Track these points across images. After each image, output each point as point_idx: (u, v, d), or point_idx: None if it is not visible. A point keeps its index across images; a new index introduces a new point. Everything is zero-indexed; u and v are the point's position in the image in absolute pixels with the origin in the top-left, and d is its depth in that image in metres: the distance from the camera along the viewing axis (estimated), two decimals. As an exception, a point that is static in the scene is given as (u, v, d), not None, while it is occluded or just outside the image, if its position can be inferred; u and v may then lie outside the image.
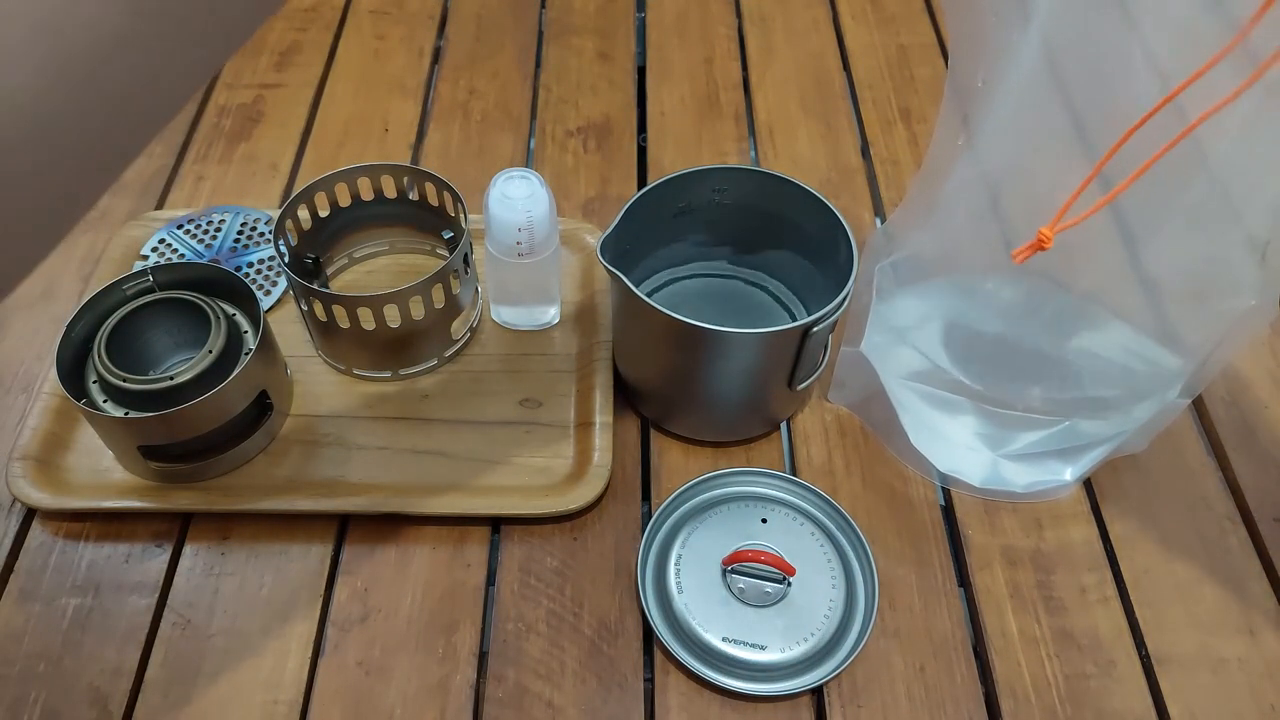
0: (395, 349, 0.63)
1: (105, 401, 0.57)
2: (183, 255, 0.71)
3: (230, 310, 0.61)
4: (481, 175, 0.71)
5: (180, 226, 0.72)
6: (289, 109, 0.85)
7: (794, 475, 0.61)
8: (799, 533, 0.58)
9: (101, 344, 0.56)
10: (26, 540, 0.59)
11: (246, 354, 0.57)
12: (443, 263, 0.60)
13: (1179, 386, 0.55)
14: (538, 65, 0.89)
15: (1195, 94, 0.39)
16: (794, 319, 0.66)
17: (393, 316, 0.60)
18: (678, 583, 0.56)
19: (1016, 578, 0.58)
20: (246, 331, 0.60)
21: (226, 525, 0.59)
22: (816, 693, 0.54)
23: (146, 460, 0.57)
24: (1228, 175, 0.45)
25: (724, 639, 0.54)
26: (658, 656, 0.55)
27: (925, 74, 0.89)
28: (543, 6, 0.95)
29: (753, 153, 0.82)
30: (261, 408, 0.60)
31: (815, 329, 0.54)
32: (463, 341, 0.67)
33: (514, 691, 0.54)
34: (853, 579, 0.57)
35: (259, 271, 0.70)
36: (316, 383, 0.65)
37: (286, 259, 0.63)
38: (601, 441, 0.61)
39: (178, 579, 0.57)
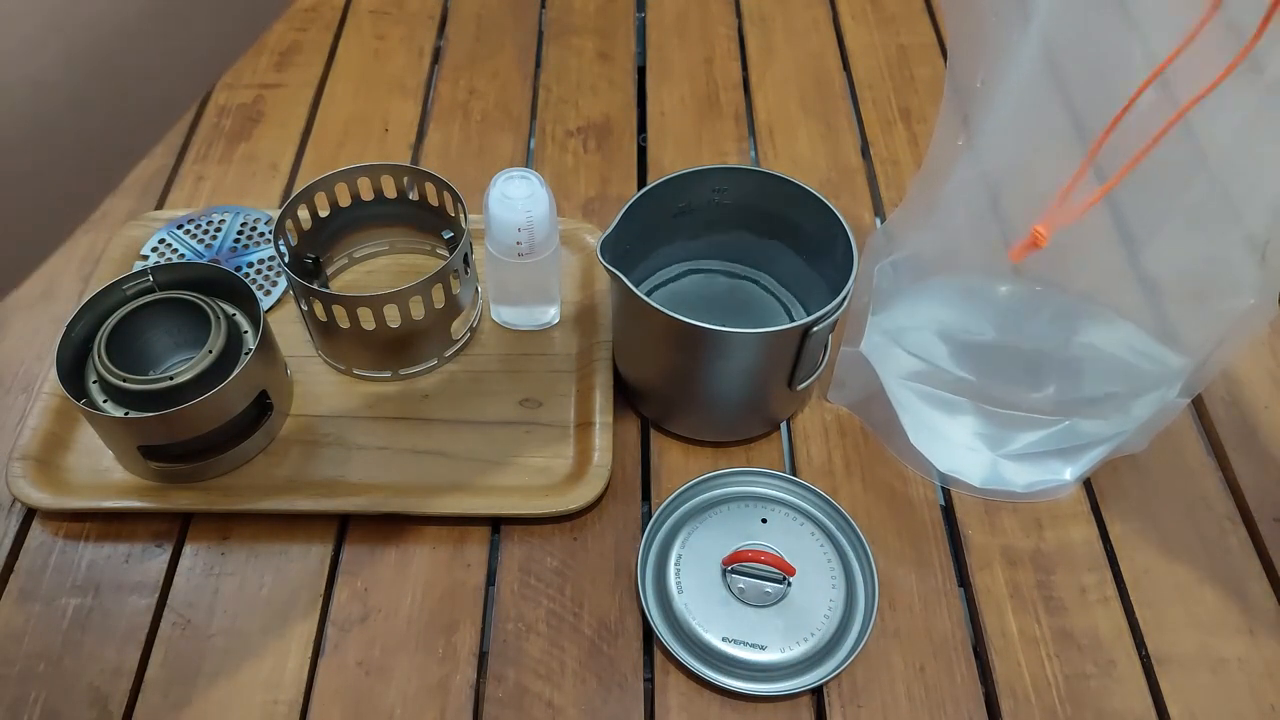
0: (395, 349, 0.63)
1: (105, 401, 0.57)
2: (183, 255, 0.71)
3: (230, 310, 0.61)
4: (481, 175, 0.71)
5: (180, 226, 0.72)
6: (289, 109, 0.85)
7: (794, 475, 0.61)
8: (799, 533, 0.58)
9: (101, 344, 0.56)
10: (26, 540, 0.59)
11: (246, 354, 0.57)
12: (443, 263, 0.60)
13: (1179, 386, 0.55)
14: (538, 65, 0.89)
15: (1186, 80, 0.39)
16: (794, 319, 0.66)
17: (393, 316, 0.60)
18: (678, 583, 0.56)
19: (1016, 578, 0.58)
20: (246, 331, 0.60)
21: (226, 525, 0.59)
22: (816, 693, 0.54)
23: (146, 460, 0.57)
24: (1227, 175, 0.45)
25: (724, 639, 0.54)
26: (658, 656, 0.55)
27: (925, 74, 0.89)
28: (543, 6, 0.95)
29: (753, 153, 0.82)
30: (261, 408, 0.60)
31: (815, 329, 0.54)
32: (463, 341, 0.67)
33: (514, 691, 0.54)
34: (853, 579, 0.57)
35: (259, 271, 0.70)
36: (316, 383, 0.65)
37: (286, 259, 0.63)
38: (601, 441, 0.61)
39: (178, 579, 0.57)
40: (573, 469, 0.61)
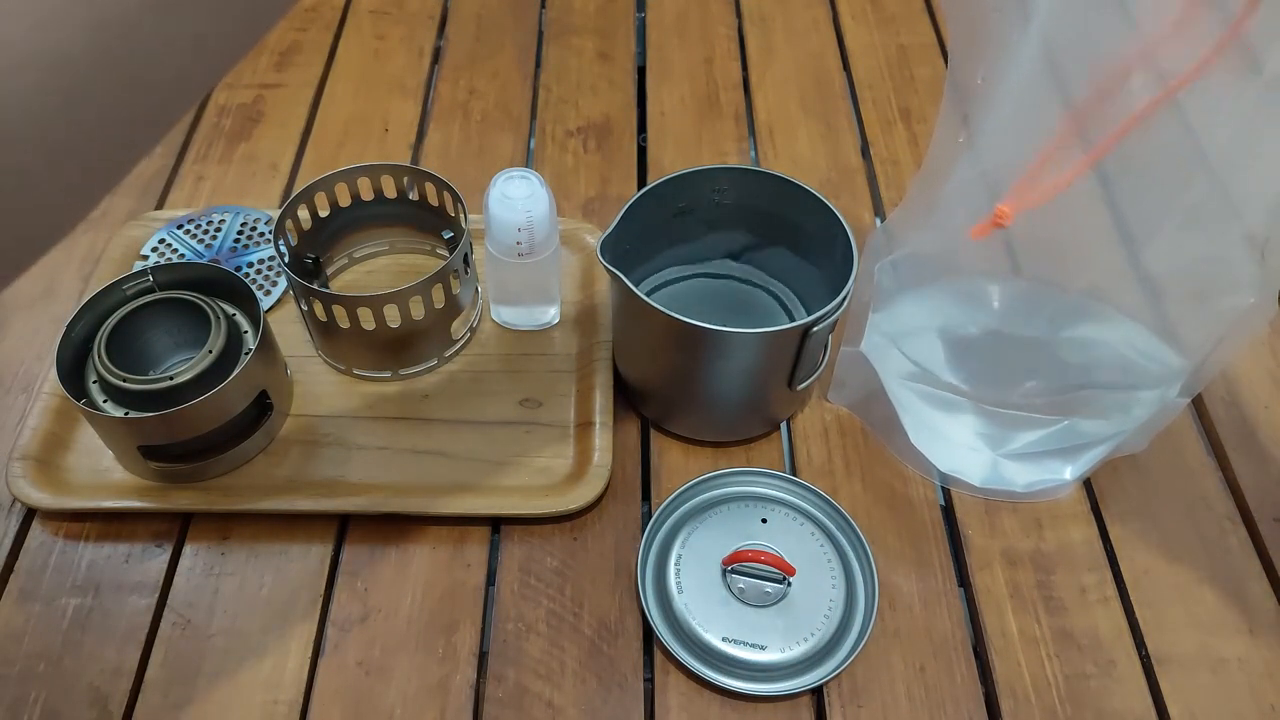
0: (395, 349, 0.63)
1: (105, 401, 0.57)
2: (183, 255, 0.71)
3: (230, 310, 0.61)
4: (481, 175, 0.71)
5: (180, 226, 0.72)
6: (289, 109, 0.85)
7: (794, 475, 0.61)
8: (799, 533, 0.58)
9: (101, 344, 0.56)
10: (26, 540, 0.59)
11: (246, 354, 0.57)
12: (443, 263, 0.60)
13: (1179, 385, 0.55)
14: (538, 65, 0.89)
15: (1172, 65, 0.39)
16: (794, 319, 0.66)
17: (393, 316, 0.60)
18: (678, 583, 0.56)
19: (1016, 578, 0.58)
20: (246, 331, 0.60)
21: (226, 525, 0.59)
22: (816, 693, 0.54)
23: (146, 460, 0.57)
24: (1227, 173, 0.44)
25: (724, 639, 0.54)
26: (658, 656, 0.55)
27: (925, 74, 0.89)
28: (543, 6, 0.95)
29: (753, 153, 0.82)
30: (261, 408, 0.60)
31: (815, 329, 0.54)
32: (463, 341, 0.67)
33: (514, 691, 0.54)
34: (853, 579, 0.57)
35: (259, 271, 0.70)
36: (316, 383, 0.65)
37: (286, 259, 0.63)
38: (601, 441, 0.61)
39: (178, 579, 0.57)
40: (573, 469, 0.61)
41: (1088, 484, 0.62)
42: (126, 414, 0.56)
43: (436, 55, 0.91)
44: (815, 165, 0.81)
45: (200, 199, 0.77)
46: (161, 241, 0.71)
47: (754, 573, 0.56)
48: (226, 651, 0.55)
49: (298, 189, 0.65)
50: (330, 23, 0.93)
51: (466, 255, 0.62)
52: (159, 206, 0.77)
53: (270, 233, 0.67)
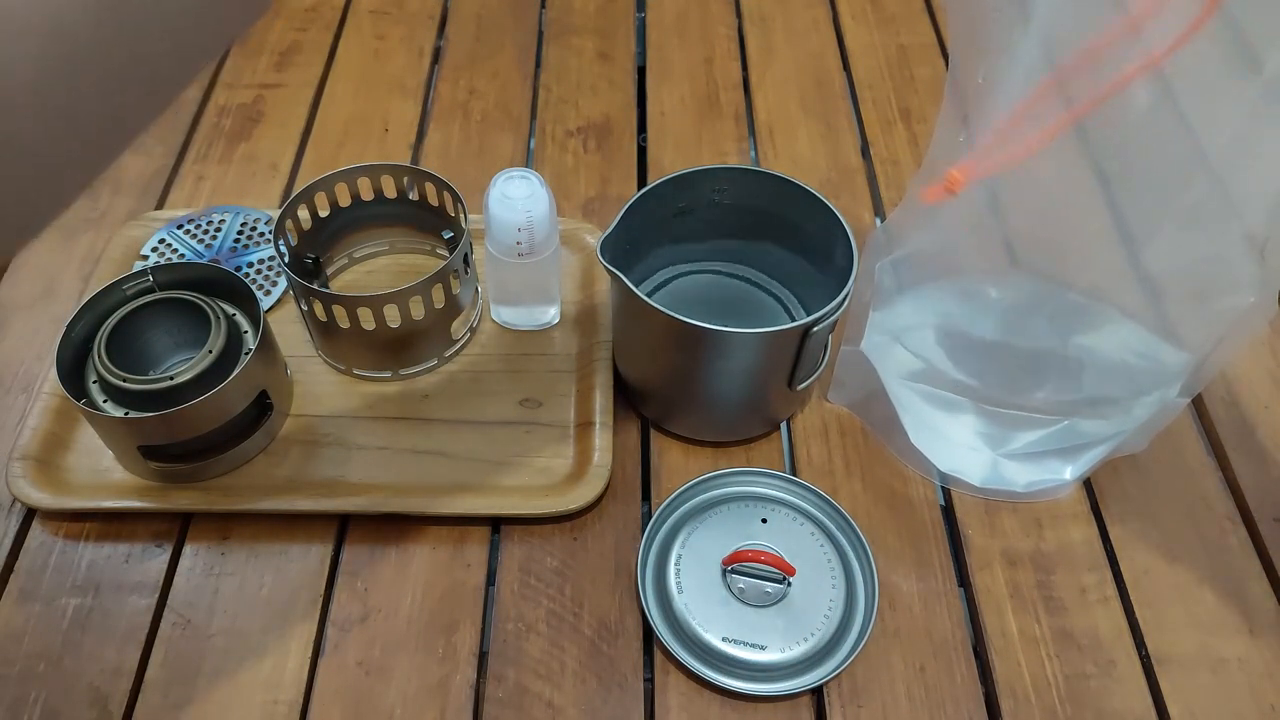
0: (395, 349, 0.63)
1: (105, 401, 0.57)
2: (183, 255, 0.71)
3: (230, 310, 0.61)
4: (481, 175, 0.71)
5: (180, 226, 0.72)
6: (289, 109, 0.85)
7: (794, 475, 0.61)
8: (799, 533, 0.58)
9: (101, 344, 0.56)
10: (26, 540, 0.59)
11: (246, 354, 0.57)
12: (443, 263, 0.60)
13: (1179, 385, 0.55)
14: (538, 65, 0.89)
15: (1156, 41, 0.39)
16: (794, 319, 0.66)
17: (393, 316, 0.60)
18: (678, 583, 0.56)
19: (1016, 578, 0.58)
20: (246, 331, 0.60)
21: (226, 525, 0.59)
22: (816, 693, 0.54)
23: (146, 460, 0.57)
24: (1226, 172, 0.44)
25: (724, 639, 0.54)
26: (658, 656, 0.55)
27: (925, 74, 0.89)
28: (543, 6, 0.95)
29: (753, 153, 0.82)
30: (261, 408, 0.60)
31: (815, 329, 0.54)
32: (463, 341, 0.67)
33: (514, 691, 0.54)
34: (853, 579, 0.57)
35: (259, 271, 0.70)
36: (316, 383, 0.65)
37: (286, 259, 0.63)
38: (601, 441, 0.61)
39: (178, 579, 0.57)
40: (573, 469, 0.61)
41: (1088, 484, 0.62)
42: (126, 414, 0.56)
43: (436, 55, 0.91)
44: (815, 165, 0.81)
45: (200, 199, 0.77)
46: (161, 241, 0.71)
47: (754, 573, 0.56)
48: (226, 651, 0.55)
49: (298, 189, 0.65)
50: (330, 23, 0.93)
51: (466, 255, 0.62)
52: (159, 206, 0.77)
53: (270, 233, 0.67)
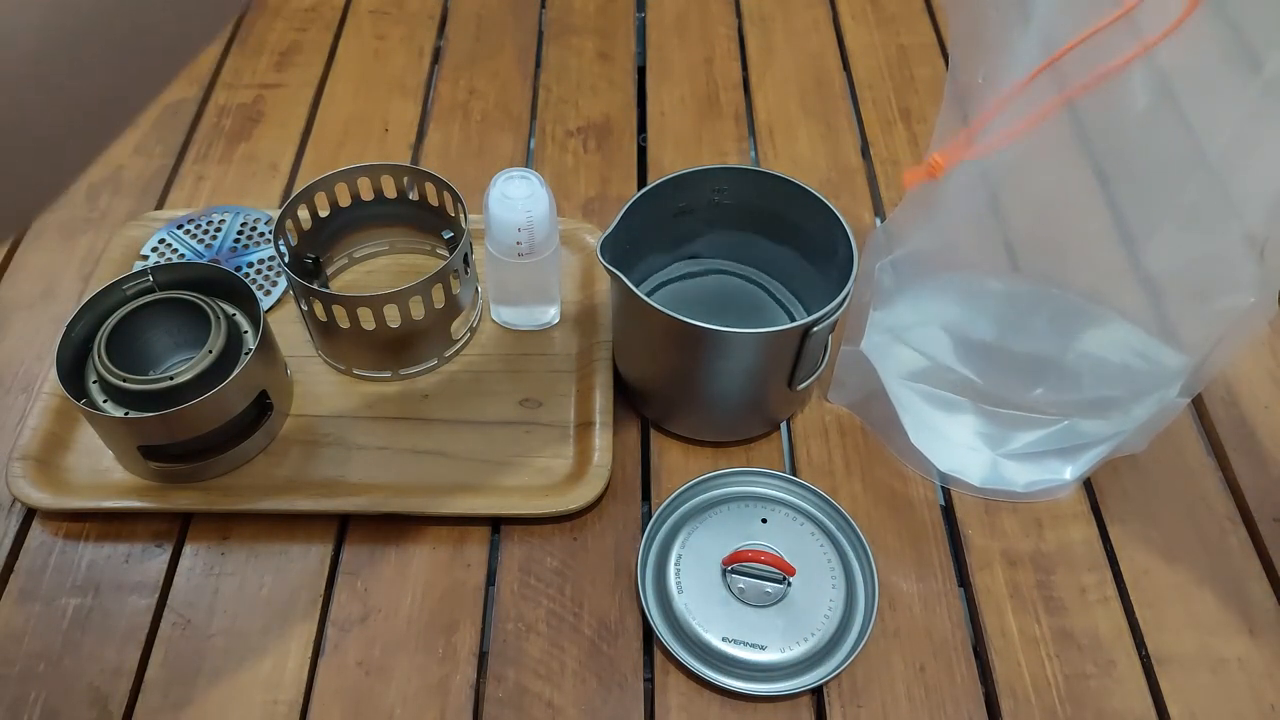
0: (395, 349, 0.63)
1: (105, 401, 0.57)
2: (183, 255, 0.71)
3: (230, 310, 0.61)
4: (481, 175, 0.71)
5: (180, 226, 0.72)
6: (289, 109, 0.85)
7: (794, 475, 0.61)
8: (799, 533, 0.58)
9: (101, 344, 0.56)
10: (26, 540, 0.59)
11: (246, 354, 0.57)
12: (443, 263, 0.60)
13: (1178, 385, 0.55)
14: (538, 65, 0.89)
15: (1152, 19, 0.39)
16: (794, 319, 0.66)
17: (393, 316, 0.60)
18: (678, 583, 0.56)
19: (1016, 578, 0.58)
20: (246, 331, 0.60)
21: (226, 525, 0.59)
22: (816, 693, 0.54)
23: (146, 460, 0.57)
24: (1226, 173, 0.44)
25: (724, 639, 0.54)
26: (658, 656, 0.55)
27: (925, 74, 0.89)
28: (543, 6, 0.95)
29: (753, 153, 0.82)
30: (261, 408, 0.60)
31: (815, 329, 0.54)
32: (463, 341, 0.67)
33: (514, 691, 0.54)
34: (853, 579, 0.57)
35: (259, 271, 0.70)
36: (316, 383, 0.65)
37: (286, 259, 0.63)
38: (601, 441, 0.61)
39: (178, 579, 0.57)
40: (573, 469, 0.61)
41: (1088, 484, 0.62)
42: (126, 414, 0.56)
43: (436, 55, 0.91)
44: (815, 165, 0.81)
45: (200, 199, 0.77)
46: (161, 241, 0.71)
47: (754, 573, 0.56)
48: (226, 651, 0.55)
49: (298, 189, 0.65)
50: (330, 23, 0.93)
51: (466, 255, 0.62)
52: (159, 206, 0.77)
53: (270, 233, 0.67)
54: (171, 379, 0.56)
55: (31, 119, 0.25)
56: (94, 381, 0.58)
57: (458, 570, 0.58)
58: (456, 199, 0.63)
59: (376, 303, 0.59)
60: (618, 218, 0.58)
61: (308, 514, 0.59)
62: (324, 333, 0.63)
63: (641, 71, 0.89)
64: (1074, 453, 0.60)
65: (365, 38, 0.92)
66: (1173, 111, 0.43)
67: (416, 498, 0.59)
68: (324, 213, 0.67)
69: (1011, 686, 0.54)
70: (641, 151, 0.82)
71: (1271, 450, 0.64)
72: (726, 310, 0.67)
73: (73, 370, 0.57)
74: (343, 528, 0.60)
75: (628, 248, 0.61)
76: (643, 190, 0.60)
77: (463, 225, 0.63)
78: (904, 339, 0.61)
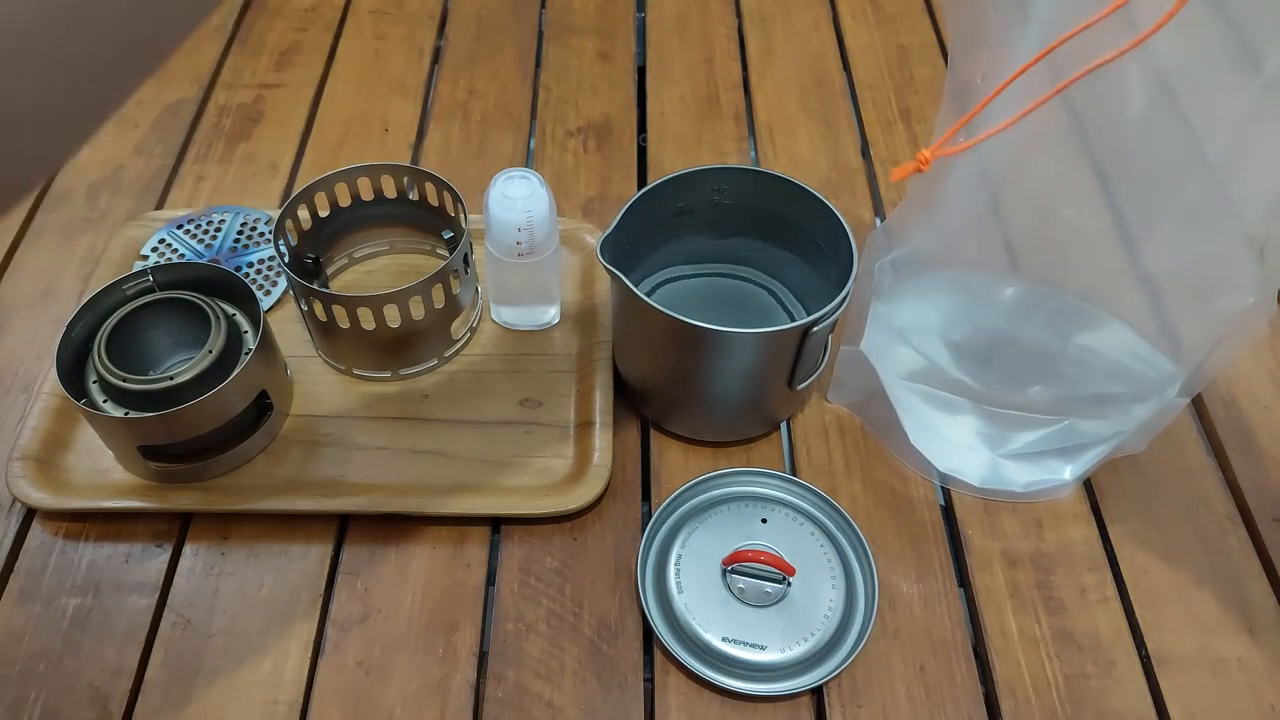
0: (395, 349, 0.63)
1: (105, 401, 0.57)
2: (183, 255, 0.71)
3: (230, 310, 0.61)
4: (481, 175, 0.71)
5: (180, 226, 0.72)
6: (289, 109, 0.85)
7: (794, 475, 0.61)
8: (799, 533, 0.58)
9: (101, 344, 0.56)
10: (26, 540, 0.59)
11: (246, 354, 0.57)
12: (443, 263, 0.60)
13: (1178, 385, 0.55)
14: (538, 65, 0.90)
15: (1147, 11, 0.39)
16: (794, 319, 0.66)
17: (393, 316, 0.60)
18: (678, 583, 0.56)
19: (1016, 578, 0.58)
20: (246, 331, 0.60)
21: (226, 525, 0.59)
22: (816, 693, 0.54)
23: (146, 460, 0.57)
24: (1226, 173, 0.44)
25: (724, 639, 0.54)
26: (658, 656, 0.55)
27: (925, 74, 0.89)
28: (543, 6, 0.95)
29: (753, 153, 0.82)
30: (261, 408, 0.60)
31: (815, 329, 0.54)
32: (463, 341, 0.67)
33: (514, 691, 0.54)
34: (853, 579, 0.57)
35: (259, 271, 0.70)
36: (316, 383, 0.65)
37: (286, 259, 0.63)
38: (601, 441, 0.61)
39: (178, 579, 0.57)
40: (573, 469, 0.61)
41: (1088, 484, 0.62)
42: (126, 414, 0.56)
43: (436, 55, 0.91)
44: (815, 165, 0.81)
45: (200, 199, 0.77)
46: (161, 241, 0.71)
47: (754, 573, 0.56)
48: (226, 651, 0.55)
49: (298, 189, 0.65)
50: (330, 23, 0.93)
51: (466, 255, 0.62)
52: (159, 206, 0.77)
53: (270, 233, 0.67)
54: (171, 379, 0.56)
55: (28, 99, 0.25)
56: (94, 381, 0.58)
57: (458, 570, 0.58)
58: (456, 199, 0.63)
59: (376, 303, 0.59)
60: (618, 218, 0.58)
61: (308, 514, 0.59)
62: (324, 333, 0.63)
63: (641, 71, 0.89)
64: (1074, 453, 0.60)
65: (365, 38, 0.92)
66: (1172, 111, 0.43)
67: (416, 498, 0.59)
68: (324, 213, 0.67)
69: (1011, 686, 0.54)
70: (641, 151, 0.82)
71: (1271, 450, 0.64)
72: (726, 310, 0.67)
73: (73, 370, 0.57)
74: (343, 528, 0.60)
75: (628, 248, 0.61)
76: (643, 190, 0.60)
77: (463, 225, 0.63)
78: (904, 339, 0.61)
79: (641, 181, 0.80)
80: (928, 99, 0.86)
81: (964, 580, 0.58)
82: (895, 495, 0.61)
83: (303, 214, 0.65)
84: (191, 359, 0.56)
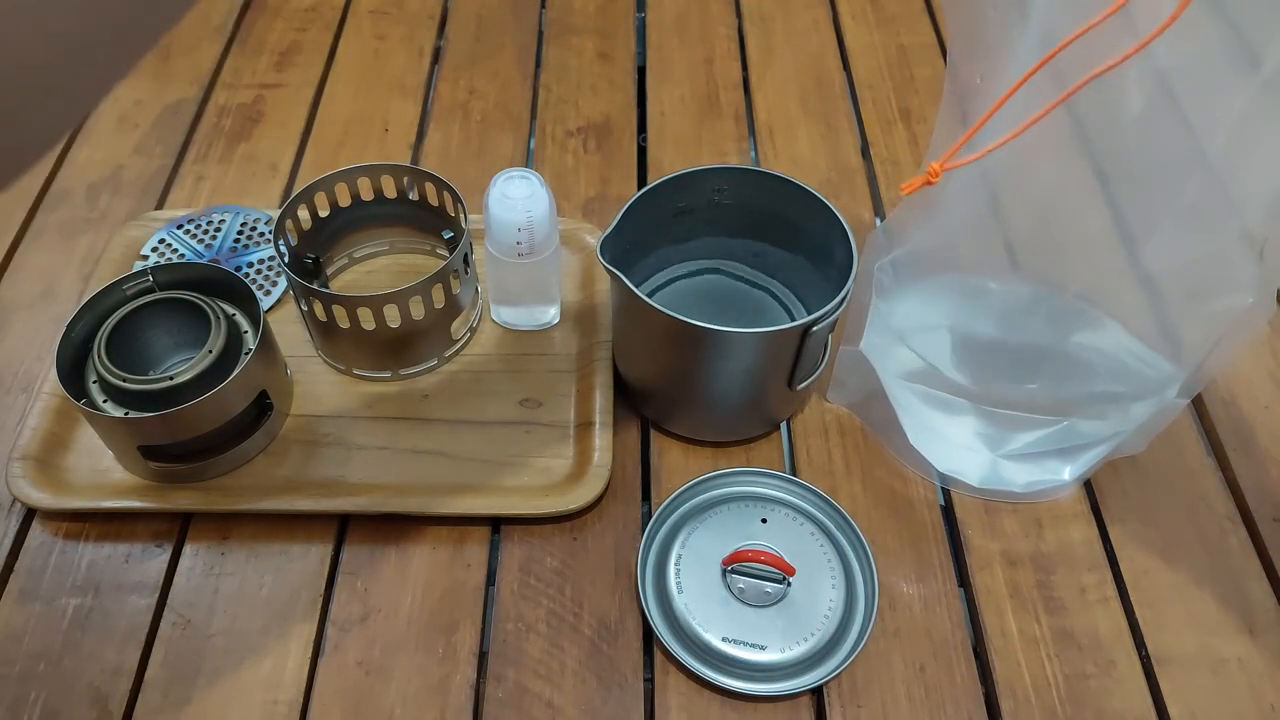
0: (395, 349, 0.63)
1: (105, 401, 0.57)
2: (183, 255, 0.71)
3: (230, 310, 0.61)
4: (481, 175, 0.71)
5: (180, 226, 0.72)
6: (289, 109, 0.85)
7: (794, 475, 0.61)
8: (799, 533, 0.58)
9: (101, 344, 0.56)
10: (26, 540, 0.59)
11: (246, 354, 0.57)
12: (443, 263, 0.60)
13: (1177, 386, 0.55)
14: (538, 65, 0.90)
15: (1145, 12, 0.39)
16: (794, 319, 0.66)
17: (393, 316, 0.60)
18: (678, 583, 0.56)
19: (1016, 578, 0.58)
20: (246, 331, 0.60)
21: (226, 525, 0.59)
22: (816, 693, 0.54)
23: (146, 460, 0.57)
24: (1225, 172, 0.44)
25: (724, 639, 0.54)
26: (658, 656, 0.55)
27: (925, 74, 0.89)
28: (543, 6, 0.95)
29: (753, 153, 0.82)
30: (261, 408, 0.60)
31: (815, 329, 0.54)
32: (463, 341, 0.67)
33: (514, 691, 0.54)
34: (853, 579, 0.57)
35: (259, 271, 0.70)
36: (316, 383, 0.65)
37: (286, 259, 0.63)
38: (601, 441, 0.61)
39: (178, 579, 0.57)
40: (573, 469, 0.61)
41: (1088, 484, 0.62)
42: (126, 414, 0.56)
43: (436, 55, 0.91)
44: (815, 165, 0.81)
45: (200, 199, 0.77)
46: (161, 241, 0.71)
47: (754, 573, 0.56)
48: (226, 651, 0.55)
49: (298, 189, 0.65)
50: (330, 23, 0.93)
51: (466, 255, 0.62)
52: (159, 206, 0.77)
53: (270, 233, 0.67)
54: (171, 379, 0.56)
55: (27, 76, 0.25)
56: (94, 381, 0.58)
57: (458, 570, 0.58)
58: (456, 199, 0.63)
59: (376, 303, 0.59)
60: (618, 218, 0.58)
61: (308, 514, 0.59)
62: (324, 333, 0.63)
63: (641, 71, 0.89)
64: (1073, 453, 0.60)
65: (365, 38, 0.92)
66: (1172, 111, 0.43)
67: (416, 498, 0.59)
68: (324, 213, 0.67)
69: (1011, 686, 0.54)
70: (641, 151, 0.82)
71: (1271, 450, 0.64)
72: (726, 310, 0.67)
73: (73, 370, 0.57)
74: (343, 528, 0.60)
75: (628, 248, 0.61)
76: (643, 190, 0.60)
77: (463, 225, 0.63)
78: (903, 339, 0.61)
79: (641, 181, 0.80)
80: (928, 99, 0.86)
81: (964, 580, 0.58)
82: (895, 495, 0.61)
83: (303, 214, 0.65)
84: (191, 359, 0.56)
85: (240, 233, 0.72)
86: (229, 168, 0.80)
